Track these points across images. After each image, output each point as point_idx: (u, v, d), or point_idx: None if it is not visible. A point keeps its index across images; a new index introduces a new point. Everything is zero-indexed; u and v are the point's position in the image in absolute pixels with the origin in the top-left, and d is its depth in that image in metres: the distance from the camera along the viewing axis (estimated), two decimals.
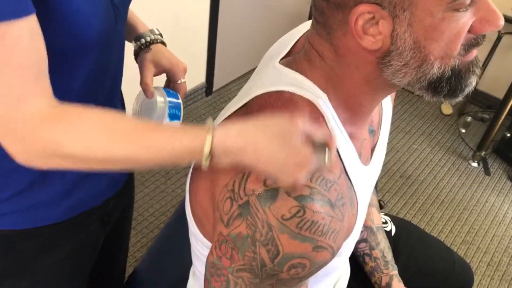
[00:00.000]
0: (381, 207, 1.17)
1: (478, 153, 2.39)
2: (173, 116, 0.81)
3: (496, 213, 2.16)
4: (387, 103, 0.80)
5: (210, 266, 0.61)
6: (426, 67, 0.56)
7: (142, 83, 0.83)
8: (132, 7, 0.79)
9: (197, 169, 0.68)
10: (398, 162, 2.37)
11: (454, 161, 2.42)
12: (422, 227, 1.94)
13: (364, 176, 0.69)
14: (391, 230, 1.08)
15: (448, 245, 1.16)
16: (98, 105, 0.57)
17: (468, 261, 1.91)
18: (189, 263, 0.88)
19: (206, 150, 0.54)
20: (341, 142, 0.63)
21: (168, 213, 1.93)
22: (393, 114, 2.68)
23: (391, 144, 2.47)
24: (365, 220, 0.99)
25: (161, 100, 0.81)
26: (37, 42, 0.53)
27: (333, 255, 0.59)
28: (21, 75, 0.51)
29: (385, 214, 1.13)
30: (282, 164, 0.53)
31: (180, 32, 2.15)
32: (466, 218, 2.12)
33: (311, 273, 0.60)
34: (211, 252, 0.61)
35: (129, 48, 0.84)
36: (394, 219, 1.13)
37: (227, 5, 2.30)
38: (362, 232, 0.99)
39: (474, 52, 0.59)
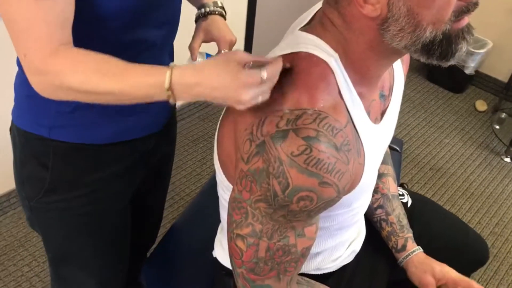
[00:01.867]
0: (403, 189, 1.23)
1: (511, 149, 2.39)
2: None
3: None
4: (399, 73, 0.87)
5: (232, 201, 0.71)
6: (420, 31, 0.63)
7: (190, 46, 0.98)
8: None
9: (223, 120, 0.78)
10: (428, 155, 2.40)
11: (486, 156, 2.43)
12: None
13: (373, 134, 0.76)
14: (407, 202, 1.14)
15: None
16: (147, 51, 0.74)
17: (495, 252, 1.94)
18: (218, 222, 0.98)
19: (166, 84, 0.66)
20: (349, 98, 0.70)
21: None
22: (426, 110, 2.69)
23: (422, 137, 2.51)
24: (381, 188, 1.07)
25: (199, 61, 0.97)
26: (69, 6, 0.68)
27: (338, 193, 0.67)
28: (49, 26, 0.67)
29: (403, 188, 1.19)
30: (229, 88, 0.65)
31: None
32: (496, 210, 2.13)
33: (319, 208, 0.67)
34: (233, 190, 0.71)
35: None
36: (412, 194, 1.19)
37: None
38: (378, 199, 1.06)
39: (466, 20, 0.66)
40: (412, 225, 1.09)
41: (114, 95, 0.69)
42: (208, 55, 0.99)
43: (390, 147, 1.55)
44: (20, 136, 0.89)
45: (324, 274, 0.95)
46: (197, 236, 1.15)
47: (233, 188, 0.72)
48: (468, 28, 0.67)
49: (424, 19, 0.63)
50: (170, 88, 0.67)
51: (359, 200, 0.83)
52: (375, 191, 1.07)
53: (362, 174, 0.74)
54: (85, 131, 0.86)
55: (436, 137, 2.52)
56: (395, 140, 1.61)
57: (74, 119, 0.84)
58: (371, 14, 0.64)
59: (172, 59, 0.98)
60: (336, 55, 0.70)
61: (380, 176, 1.08)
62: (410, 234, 1.04)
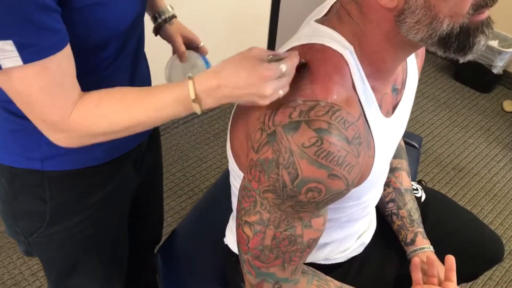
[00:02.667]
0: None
1: None
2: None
3: None
4: (413, 67, 0.87)
5: (242, 189, 0.72)
6: (436, 24, 0.62)
7: (179, 50, 1.02)
8: None
9: (237, 108, 0.79)
10: (451, 154, 2.37)
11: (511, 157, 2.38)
12: None
13: (384, 127, 0.76)
14: (421, 197, 1.14)
15: None
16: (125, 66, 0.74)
17: None
18: (231, 211, 1.00)
19: (192, 96, 0.67)
20: (362, 91, 0.70)
21: None
22: (451, 109, 2.66)
23: (446, 137, 2.47)
24: (394, 182, 1.07)
25: (199, 59, 1.06)
26: (71, 60, 0.68)
27: (347, 186, 0.68)
28: (62, 87, 0.67)
29: (418, 183, 1.18)
30: (250, 84, 0.65)
31: (241, 22, 2.28)
32: None
33: (327, 200, 0.68)
34: (243, 178, 0.73)
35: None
36: (427, 189, 1.19)
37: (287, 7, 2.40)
38: (390, 193, 1.06)
39: (486, 13, 0.64)
40: (425, 220, 1.08)
41: (144, 124, 0.70)
42: (195, 53, 1.07)
43: (408, 143, 1.54)
44: (5, 172, 0.85)
45: (332, 265, 0.95)
46: (210, 224, 1.17)
47: (243, 177, 0.73)
48: (488, 22, 0.65)
49: (441, 12, 0.62)
50: (196, 98, 0.67)
51: (369, 193, 0.84)
52: (388, 185, 1.07)
53: (372, 167, 0.74)
54: (78, 157, 0.85)
55: (460, 137, 2.48)
56: (413, 136, 1.60)
57: (61, 147, 0.82)
58: (388, 5, 0.63)
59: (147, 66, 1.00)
60: (351, 47, 0.70)
61: (393, 170, 1.08)
62: (421, 229, 1.03)
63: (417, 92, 2.79)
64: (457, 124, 2.57)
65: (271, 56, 0.67)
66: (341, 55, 0.69)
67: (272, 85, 0.64)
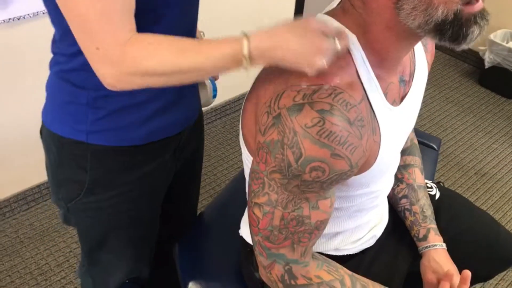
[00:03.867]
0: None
1: None
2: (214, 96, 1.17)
3: None
4: (422, 61, 0.89)
5: (251, 172, 0.76)
6: (431, 10, 0.66)
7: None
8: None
9: (248, 95, 0.82)
10: (474, 159, 2.34)
11: None
12: None
13: (391, 116, 0.78)
14: (435, 195, 1.15)
15: None
16: None
17: None
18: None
19: (245, 52, 0.69)
20: (366, 78, 0.73)
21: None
22: (475, 114, 2.63)
23: (469, 141, 2.45)
24: (407, 178, 1.08)
25: (207, 81, 1.13)
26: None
27: (351, 167, 0.70)
28: (122, 16, 0.70)
29: (432, 183, 1.19)
30: (302, 53, 0.68)
31: (264, 22, 2.32)
32: None
33: (331, 180, 0.70)
34: (252, 162, 0.76)
35: None
36: (442, 188, 1.19)
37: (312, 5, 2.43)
38: (403, 189, 1.07)
39: (480, 5, 0.67)
40: (439, 217, 1.09)
41: (192, 72, 0.72)
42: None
43: (426, 144, 1.55)
44: (56, 141, 0.92)
45: (344, 256, 0.97)
46: (228, 217, 1.21)
47: (252, 161, 0.76)
48: (482, 14, 0.67)
49: None
50: (249, 54, 0.69)
51: (378, 182, 0.85)
52: (401, 181, 1.08)
53: (378, 153, 0.76)
54: (120, 134, 0.90)
55: (483, 142, 2.46)
56: (432, 138, 1.60)
57: (109, 123, 0.88)
58: None
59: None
60: (354, 36, 0.73)
61: (407, 166, 1.09)
62: (434, 225, 1.04)
63: (441, 97, 2.78)
64: (481, 129, 2.54)
65: (329, 32, 0.70)
66: None
67: (325, 58, 0.68)
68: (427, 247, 1.02)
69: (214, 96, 1.17)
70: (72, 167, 0.93)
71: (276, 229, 0.75)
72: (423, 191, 1.08)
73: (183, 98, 0.97)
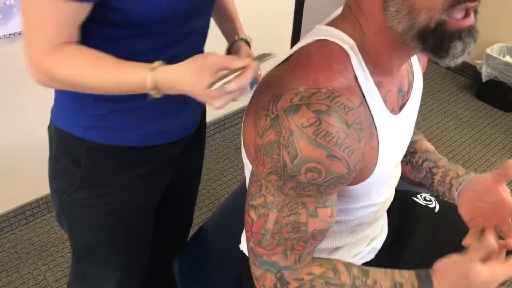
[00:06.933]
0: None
1: None
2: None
3: None
4: (418, 71, 0.90)
5: (250, 176, 0.76)
6: (414, 15, 0.66)
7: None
8: None
9: (250, 102, 0.82)
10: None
11: None
12: None
13: (390, 124, 0.78)
14: (434, 207, 1.14)
15: None
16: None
17: None
18: None
19: (149, 85, 0.76)
20: (365, 84, 0.73)
21: None
22: (473, 128, 2.64)
23: (468, 155, 2.46)
24: (419, 147, 1.05)
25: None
26: (81, 16, 0.76)
27: (349, 170, 0.69)
28: (57, 21, 0.75)
29: (432, 196, 1.19)
30: (195, 86, 0.74)
31: (265, 18, 2.31)
32: None
33: (328, 183, 0.69)
34: (252, 165, 0.76)
35: None
36: (441, 201, 1.19)
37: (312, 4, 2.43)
38: (420, 156, 1.04)
39: (470, 21, 0.67)
40: (439, 228, 1.08)
41: (99, 90, 0.79)
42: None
43: None
44: (57, 134, 0.96)
45: None
46: (228, 232, 1.20)
47: (251, 163, 0.76)
48: (470, 31, 0.67)
49: (417, 2, 0.65)
50: (153, 86, 0.76)
51: (378, 192, 0.85)
52: (415, 151, 1.05)
53: (377, 160, 0.76)
54: (116, 133, 0.93)
55: (482, 155, 2.47)
56: None
57: (107, 122, 0.91)
58: None
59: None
60: (353, 42, 0.74)
61: (415, 142, 1.07)
62: (460, 167, 0.99)
63: (439, 111, 2.79)
64: (479, 143, 2.55)
65: (220, 74, 0.74)
66: (341, 48, 0.73)
67: (220, 101, 0.74)
68: (464, 179, 0.95)
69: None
70: (68, 161, 0.96)
71: (268, 233, 0.73)
72: (439, 154, 1.05)
73: (187, 105, 0.98)
